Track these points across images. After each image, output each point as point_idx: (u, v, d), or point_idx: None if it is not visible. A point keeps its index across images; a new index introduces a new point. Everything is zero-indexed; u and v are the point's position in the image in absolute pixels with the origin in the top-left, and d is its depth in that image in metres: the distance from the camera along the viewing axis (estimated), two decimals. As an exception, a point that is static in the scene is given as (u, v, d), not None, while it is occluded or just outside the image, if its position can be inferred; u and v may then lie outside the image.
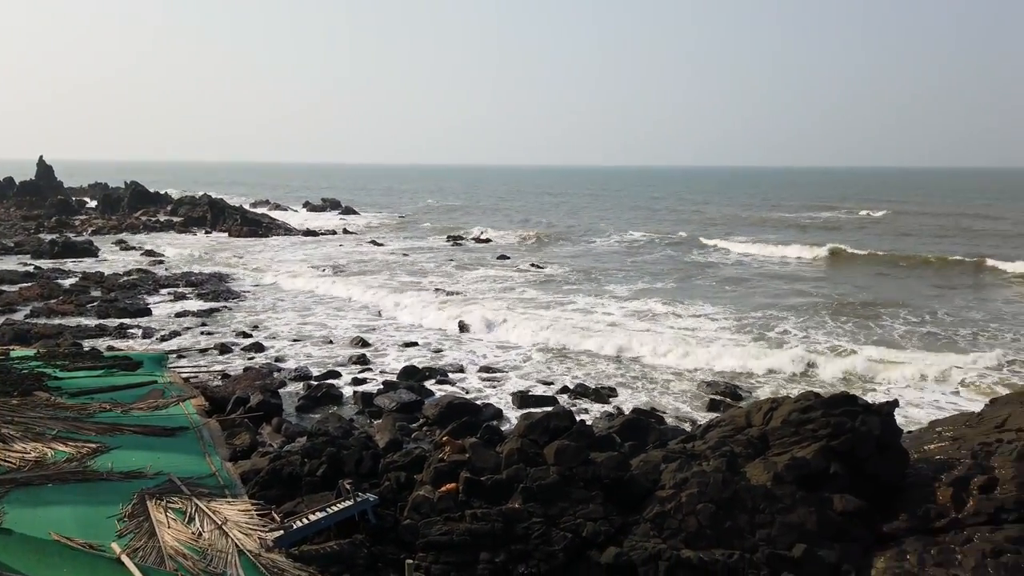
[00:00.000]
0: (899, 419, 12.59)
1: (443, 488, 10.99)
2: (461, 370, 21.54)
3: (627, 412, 17.08)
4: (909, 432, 14.42)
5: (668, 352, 22.46)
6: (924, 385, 19.48)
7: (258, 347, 23.48)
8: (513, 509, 10.52)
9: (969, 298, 32.17)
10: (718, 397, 18.71)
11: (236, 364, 21.55)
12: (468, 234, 59.74)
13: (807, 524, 10.43)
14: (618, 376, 20.89)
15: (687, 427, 16.24)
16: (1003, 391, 16.97)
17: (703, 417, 17.12)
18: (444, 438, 13.15)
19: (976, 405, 15.80)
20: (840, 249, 45.74)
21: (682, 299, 31.80)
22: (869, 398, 13.82)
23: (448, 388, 19.77)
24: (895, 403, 12.19)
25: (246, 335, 25.13)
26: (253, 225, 61.33)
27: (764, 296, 32.94)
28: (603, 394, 19.11)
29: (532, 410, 16.17)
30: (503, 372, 21.30)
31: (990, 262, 39.39)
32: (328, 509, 10.07)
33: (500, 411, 17.73)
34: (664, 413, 17.71)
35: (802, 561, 9.99)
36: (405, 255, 46.92)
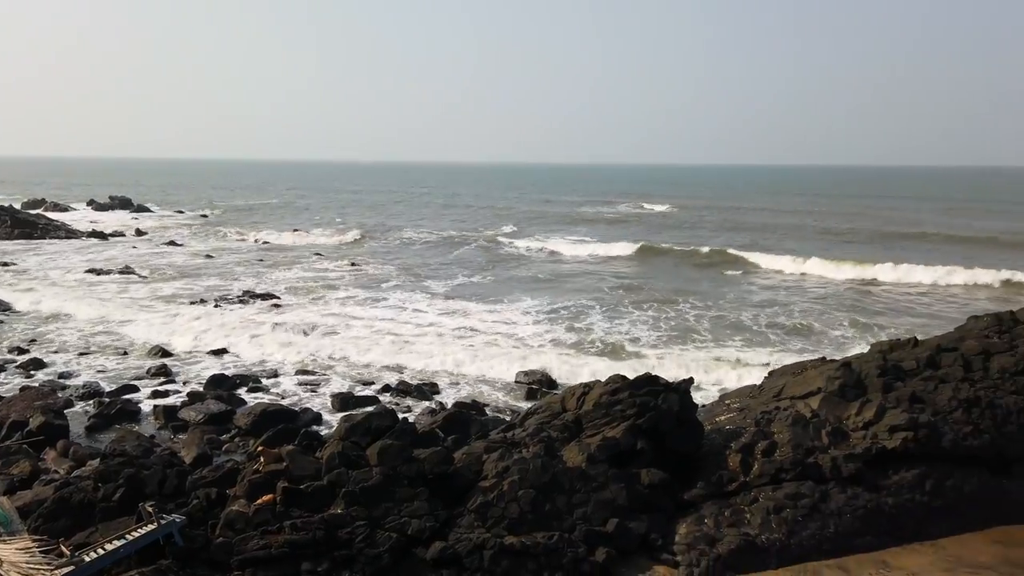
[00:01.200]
0: (694, 395, 13.74)
1: (259, 501, 10.46)
2: (275, 375, 20.60)
3: (449, 407, 17.22)
4: (703, 406, 15.82)
5: (487, 361, 22.89)
6: (714, 364, 21.43)
7: (37, 363, 20.95)
8: (335, 515, 10.24)
9: (734, 288, 35.83)
10: (535, 386, 19.40)
11: (12, 384, 19.10)
12: (274, 233, 57.22)
13: (619, 500, 11.11)
14: (441, 372, 21.00)
15: (507, 416, 16.69)
16: (775, 365, 19.06)
17: (522, 405, 17.69)
18: (259, 448, 12.51)
19: (757, 377, 17.63)
20: (650, 245, 48.50)
21: (495, 295, 32.57)
22: (669, 376, 14.93)
23: (262, 396, 18.83)
24: (691, 380, 13.30)
25: (22, 351, 22.33)
26: (26, 227, 54.50)
27: (572, 290, 34.56)
28: (425, 391, 19.12)
29: (353, 412, 15.83)
30: (322, 375, 20.63)
31: (738, 252, 43.82)
32: (128, 536, 9.21)
33: (319, 415, 17.18)
34: (486, 405, 18.07)
35: (615, 535, 10.64)
36: (210, 257, 43.97)
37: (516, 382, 20.10)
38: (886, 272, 36.19)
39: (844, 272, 37.04)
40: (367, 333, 24.82)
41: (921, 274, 35.36)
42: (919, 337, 15.84)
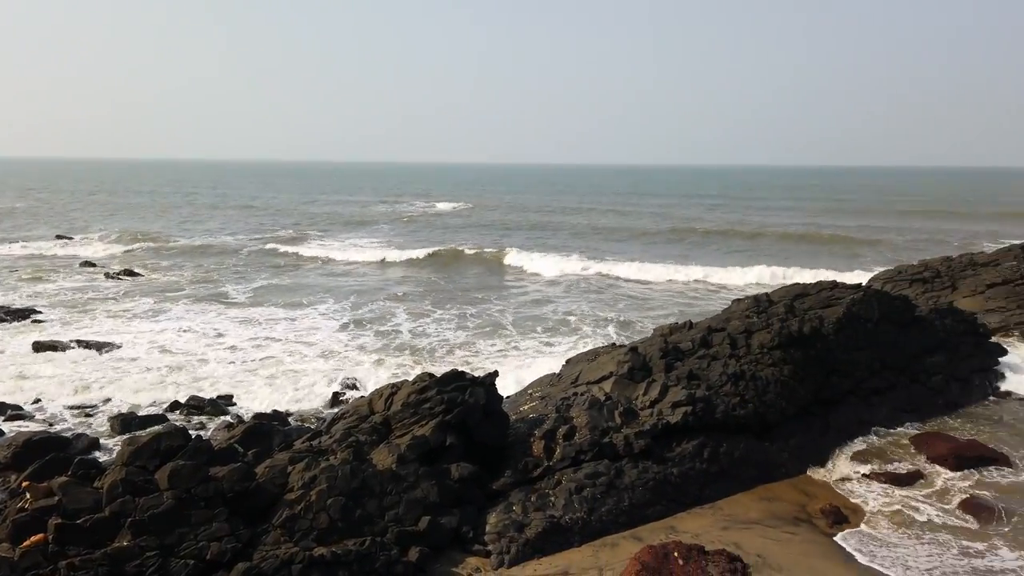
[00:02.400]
0: (501, 387, 14.15)
1: (27, 542, 9.25)
2: (39, 400, 18.26)
3: (248, 419, 16.29)
4: (508, 397, 16.36)
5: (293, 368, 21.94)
6: (516, 353, 22.25)
7: None
8: (121, 548, 9.32)
9: (532, 283, 37.52)
10: (340, 390, 18.94)
11: None
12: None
13: (430, 497, 11.19)
14: (236, 384, 19.79)
15: (312, 424, 16.13)
16: (571, 353, 20.19)
17: (328, 412, 17.19)
18: (24, 483, 11.04)
19: (557, 366, 18.54)
20: (445, 246, 48.62)
21: (292, 302, 31.38)
22: (479, 371, 15.27)
23: (25, 424, 16.62)
24: (495, 374, 13.68)
25: None
26: None
27: (371, 293, 34.18)
28: (220, 405, 17.93)
29: (138, 433, 14.45)
30: (98, 396, 18.59)
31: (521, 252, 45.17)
32: None
33: (97, 440, 15.49)
34: (288, 414, 17.33)
35: (428, 532, 10.70)
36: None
37: (320, 388, 19.48)
38: (656, 270, 38.88)
39: (623, 270, 39.26)
40: (150, 348, 22.79)
41: (696, 272, 38.44)
42: (693, 320, 17.52)
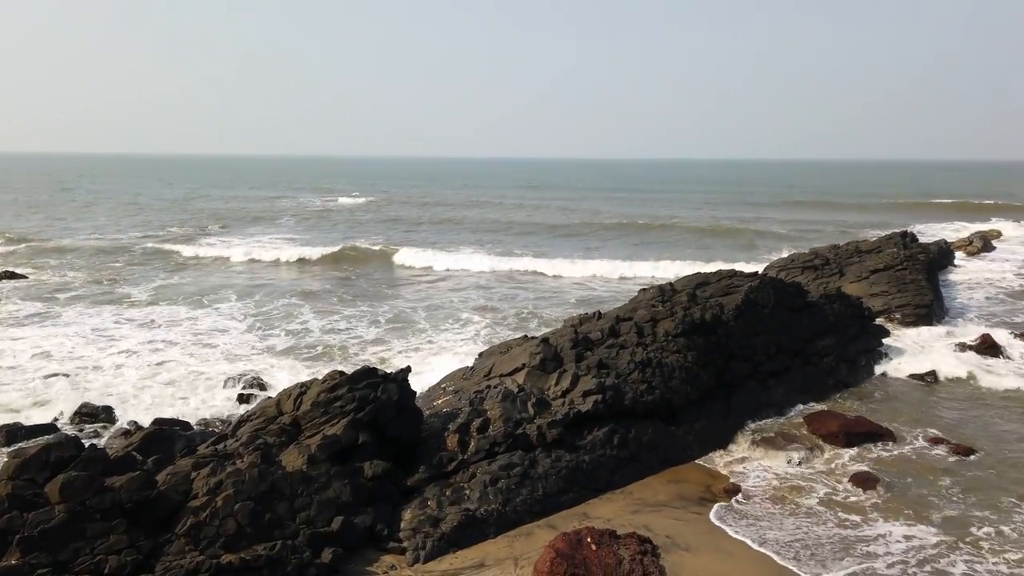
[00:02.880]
0: (415, 383, 14.06)
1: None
2: (-89, 414, 16.83)
3: (147, 425, 15.54)
4: (421, 392, 16.27)
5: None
6: (429, 348, 22.16)
7: None
8: (9, 567, 8.75)
9: (448, 280, 37.50)
10: (246, 391, 18.35)
11: None
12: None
13: (342, 496, 11.01)
14: (136, 388, 18.85)
15: (217, 428, 15.56)
16: (482, 348, 20.29)
17: (234, 414, 16.60)
18: None
19: (469, 360, 18.57)
20: (356, 246, 46.78)
21: (194, 301, 30.17)
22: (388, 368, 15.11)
23: None
24: (408, 369, 13.57)
25: None
26: None
27: (277, 292, 33.29)
28: (116, 411, 17.03)
29: (24, 445, 13.56)
30: (-23, 407, 17.30)
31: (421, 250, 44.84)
32: None
33: (-23, 455, 14.42)
34: (191, 419, 16.64)
35: (341, 532, 10.54)
36: None
37: (225, 390, 18.80)
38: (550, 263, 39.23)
39: (528, 263, 39.32)
40: (37, 354, 21.39)
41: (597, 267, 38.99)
42: (601, 311, 17.92)
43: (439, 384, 16.99)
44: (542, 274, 37.44)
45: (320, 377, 13.60)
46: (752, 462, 13.97)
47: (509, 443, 12.65)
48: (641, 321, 16.21)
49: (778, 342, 17.43)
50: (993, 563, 10.25)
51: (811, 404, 16.78)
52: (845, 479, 13.03)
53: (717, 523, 11.56)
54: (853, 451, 14.17)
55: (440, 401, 15.03)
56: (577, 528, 10.45)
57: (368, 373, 13.07)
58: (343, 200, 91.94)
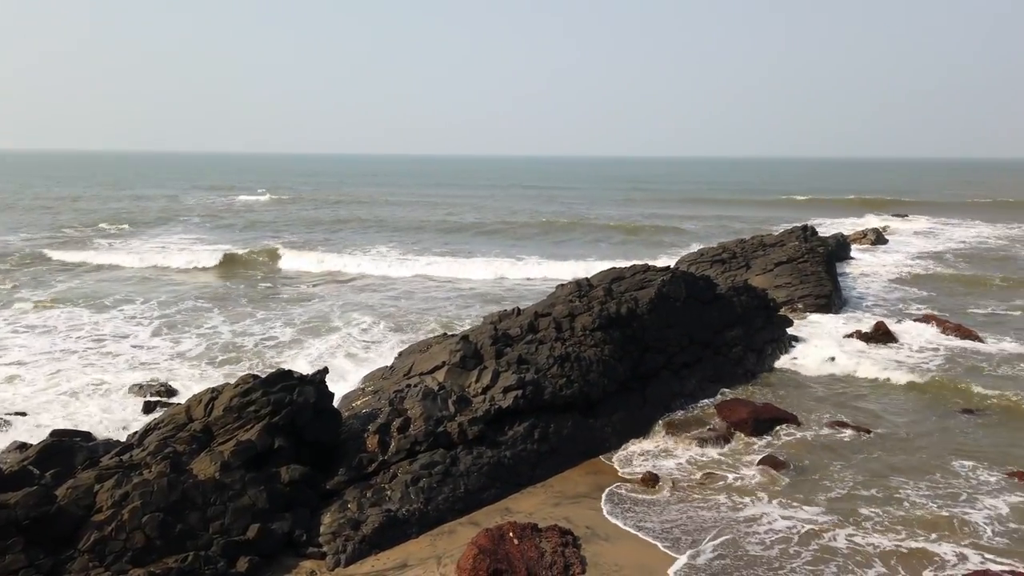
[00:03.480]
0: (330, 383, 13.79)
1: None
2: None
3: (44, 437, 14.65)
4: (341, 394, 15.99)
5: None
6: (347, 349, 21.78)
7: None
8: None
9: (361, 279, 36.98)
10: (153, 398, 17.56)
11: None
12: None
13: (259, 503, 10.71)
14: (31, 395, 17.74)
15: (122, 438, 14.82)
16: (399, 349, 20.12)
17: (140, 422, 15.86)
18: None
19: (388, 359, 18.38)
20: (266, 246, 44.83)
21: (90, 306, 28.67)
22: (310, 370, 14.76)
23: None
24: (325, 371, 13.30)
25: None
26: None
27: (182, 295, 32.03)
28: (7, 422, 15.99)
29: (-97, 464, 12.54)
30: None
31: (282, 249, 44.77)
32: None
33: None
34: (92, 429, 15.79)
35: (257, 540, 10.25)
36: None
37: (129, 398, 17.94)
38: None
39: (439, 266, 38.90)
40: (-84, 364, 19.83)
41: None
42: (520, 307, 18.07)
43: (359, 385, 16.74)
44: (455, 276, 37.14)
45: (232, 382, 13.16)
46: (666, 450, 14.39)
47: (430, 442, 12.59)
48: (559, 316, 16.44)
49: (690, 334, 18.01)
50: (876, 538, 10.85)
51: (722, 393, 17.43)
52: (753, 464, 13.60)
53: (620, 512, 11.84)
54: (760, 436, 14.81)
55: (359, 402, 14.81)
56: (499, 524, 10.53)
57: (283, 376, 12.75)
58: (245, 198, 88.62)
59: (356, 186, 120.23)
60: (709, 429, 15.16)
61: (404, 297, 30.38)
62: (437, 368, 14.95)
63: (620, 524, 11.42)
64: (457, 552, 10.34)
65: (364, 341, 22.77)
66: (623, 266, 20.47)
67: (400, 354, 17.71)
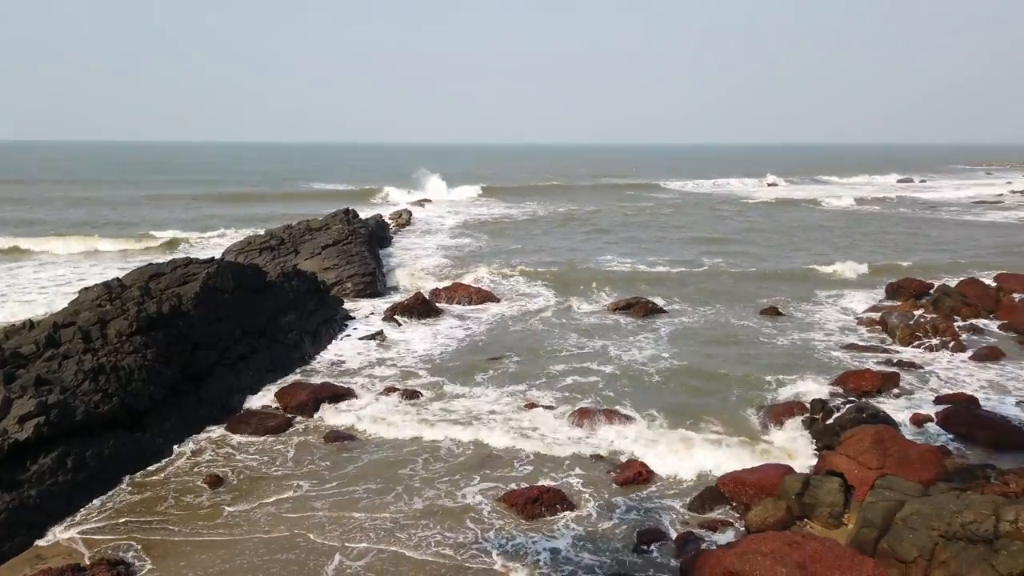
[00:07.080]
0: None
1: None
2: None
3: None
4: None
5: None
6: None
7: None
8: None
9: None
10: None
11: None
12: None
13: None
14: None
15: None
16: None
17: None
18: None
19: None
20: None
21: None
22: None
23: None
24: None
25: None
26: None
27: None
28: None
29: None
30: None
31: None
32: None
33: None
34: None
35: None
36: None
37: None
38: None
39: None
40: None
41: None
42: (34, 319, 15.40)
43: None
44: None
45: None
46: (227, 447, 13.90)
47: None
48: (87, 324, 14.46)
49: (243, 325, 17.54)
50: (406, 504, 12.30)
51: (282, 380, 17.41)
52: (320, 442, 14.01)
53: (195, 520, 11.23)
54: (321, 414, 15.28)
55: None
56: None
57: None
58: None
59: None
60: (272, 418, 15.07)
61: None
62: (-82, 408, 11.88)
63: (187, 536, 10.73)
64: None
65: None
66: (160, 261, 18.86)
67: None
